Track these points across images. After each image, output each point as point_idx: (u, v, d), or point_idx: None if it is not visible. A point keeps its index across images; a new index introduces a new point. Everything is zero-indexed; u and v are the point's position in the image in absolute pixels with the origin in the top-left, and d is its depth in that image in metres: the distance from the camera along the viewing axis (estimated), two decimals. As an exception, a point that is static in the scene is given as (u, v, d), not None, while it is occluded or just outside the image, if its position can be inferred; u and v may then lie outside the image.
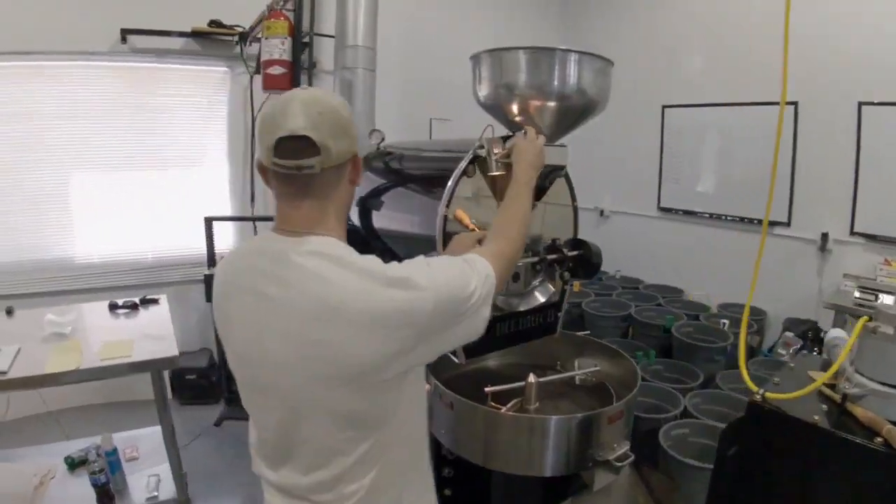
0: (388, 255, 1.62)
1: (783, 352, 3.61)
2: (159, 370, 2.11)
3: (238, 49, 3.42)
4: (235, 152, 3.67)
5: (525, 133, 1.42)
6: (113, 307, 2.57)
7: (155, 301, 2.66)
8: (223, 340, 1.01)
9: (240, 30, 3.36)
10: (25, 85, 3.08)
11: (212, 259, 3.31)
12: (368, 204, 2.24)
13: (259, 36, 3.12)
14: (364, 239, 2.27)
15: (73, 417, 3.24)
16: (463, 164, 1.47)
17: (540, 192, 1.57)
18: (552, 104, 1.55)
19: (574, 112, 1.58)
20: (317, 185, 0.92)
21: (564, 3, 4.95)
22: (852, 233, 3.43)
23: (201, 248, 3.53)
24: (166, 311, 2.57)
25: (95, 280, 3.36)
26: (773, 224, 3.67)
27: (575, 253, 1.64)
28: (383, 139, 2.31)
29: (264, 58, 2.71)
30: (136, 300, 2.61)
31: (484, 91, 1.67)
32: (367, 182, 2.15)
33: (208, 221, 3.27)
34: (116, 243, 3.42)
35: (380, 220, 2.09)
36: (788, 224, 3.64)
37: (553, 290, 1.70)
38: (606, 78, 1.60)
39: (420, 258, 0.98)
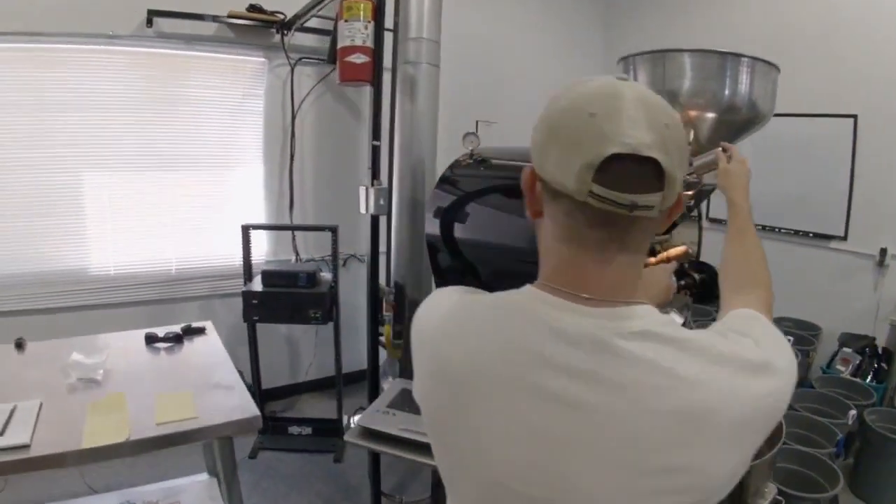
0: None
1: (842, 368, 3.55)
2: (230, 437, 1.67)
3: (278, 38, 3.06)
4: (272, 152, 3.29)
5: (727, 153, 1.22)
6: (150, 339, 2.13)
7: (201, 331, 2.23)
8: (439, 439, 0.71)
9: (281, 17, 3.00)
10: (34, 72, 2.67)
11: (248, 271, 2.98)
12: (467, 222, 1.99)
13: (304, 24, 2.78)
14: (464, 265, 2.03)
15: (93, 463, 2.84)
16: None
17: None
18: (714, 115, 1.42)
19: (737, 125, 1.44)
20: (638, 233, 0.62)
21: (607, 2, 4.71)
22: None
23: (231, 258, 3.21)
24: (219, 345, 2.13)
25: (112, 294, 2.95)
26: (828, 238, 3.57)
27: (702, 276, 1.50)
28: (478, 144, 2.06)
29: (342, 44, 2.34)
30: (179, 330, 2.18)
31: None
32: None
33: (245, 229, 2.92)
34: (136, 253, 3.02)
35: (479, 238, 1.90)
36: (845, 238, 3.53)
37: (681, 319, 1.51)
38: (775, 88, 1.48)
39: (744, 318, 0.74)
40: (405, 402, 1.58)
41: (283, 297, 2.84)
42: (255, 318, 2.82)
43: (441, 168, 2.70)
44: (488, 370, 0.63)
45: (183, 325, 2.16)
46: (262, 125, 3.22)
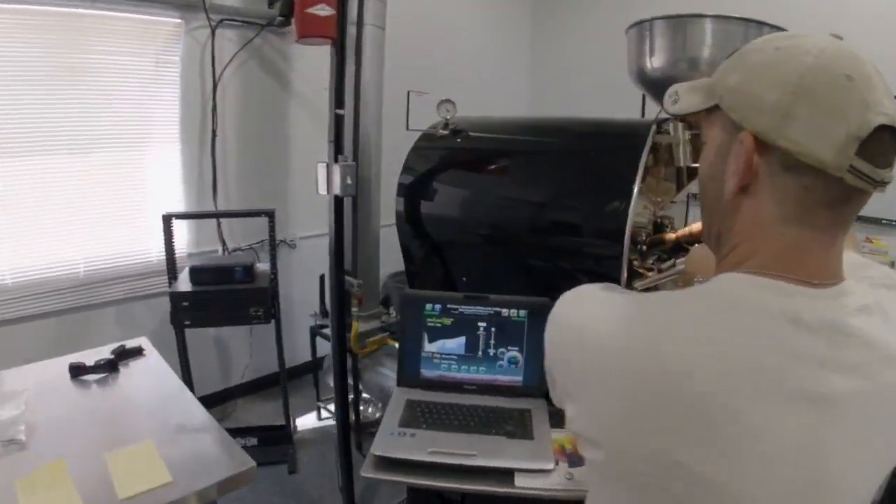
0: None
1: None
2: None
3: (196, -7, 2.62)
4: (190, 129, 2.85)
5: None
6: (77, 371, 1.65)
7: (137, 352, 1.80)
8: (663, 480, 0.54)
9: (198, -32, 2.58)
10: None
11: (172, 268, 2.58)
12: (438, 199, 1.80)
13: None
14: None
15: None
16: (644, 156, 1.32)
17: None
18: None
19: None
20: (857, 211, 0.57)
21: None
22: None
23: (148, 253, 2.80)
24: (164, 368, 1.74)
25: (9, 307, 2.42)
26: None
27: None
28: (455, 112, 1.86)
29: (302, -7, 1.99)
30: (111, 354, 1.72)
31: (657, 63, 1.47)
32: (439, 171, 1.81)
33: (167, 220, 2.52)
34: (35, 256, 2.50)
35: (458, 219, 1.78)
36: None
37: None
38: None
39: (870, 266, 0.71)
40: (418, 416, 1.36)
41: (217, 296, 2.47)
42: (187, 322, 2.44)
43: (387, 141, 2.46)
44: (742, 380, 0.52)
45: (115, 346, 1.76)
46: (178, 97, 2.77)
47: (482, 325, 1.50)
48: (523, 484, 1.18)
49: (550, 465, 1.21)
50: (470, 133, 1.87)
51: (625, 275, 1.43)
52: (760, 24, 1.37)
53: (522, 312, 1.49)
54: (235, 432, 2.73)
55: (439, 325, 1.50)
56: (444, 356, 1.50)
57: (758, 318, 0.54)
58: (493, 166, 1.78)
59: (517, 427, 1.34)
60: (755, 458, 0.52)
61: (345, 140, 1.80)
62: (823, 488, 0.54)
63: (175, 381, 1.66)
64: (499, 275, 1.74)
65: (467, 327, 1.50)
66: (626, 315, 0.60)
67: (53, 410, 1.45)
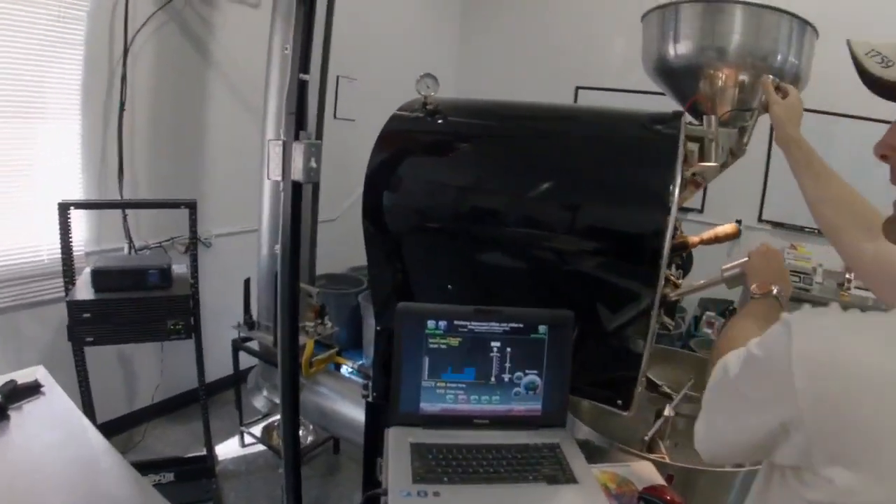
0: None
1: (709, 330, 3.83)
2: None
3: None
4: (94, 100, 2.35)
5: (779, 90, 1.22)
6: None
7: (33, 389, 1.33)
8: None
9: None
10: None
11: (70, 269, 2.09)
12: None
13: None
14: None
15: None
16: (681, 149, 1.18)
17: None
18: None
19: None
20: None
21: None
22: (760, 220, 3.96)
23: (37, 250, 2.28)
24: (72, 410, 1.32)
25: None
26: (687, 210, 3.88)
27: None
28: (437, 89, 1.58)
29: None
30: None
31: (682, 50, 1.33)
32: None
33: (64, 209, 2.03)
34: None
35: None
36: (702, 211, 4.02)
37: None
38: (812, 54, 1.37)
39: None
40: (433, 467, 1.07)
41: (127, 306, 2.03)
42: (89, 339, 1.98)
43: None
44: None
45: (2, 383, 1.29)
46: (81, 62, 2.26)
47: (496, 344, 1.22)
48: None
49: None
50: (454, 118, 1.59)
51: (661, 282, 1.22)
52: (792, 15, 1.27)
53: (543, 328, 1.23)
54: (147, 466, 2.29)
55: (444, 346, 1.21)
56: (449, 385, 1.21)
57: None
58: (493, 154, 1.51)
59: (554, 469, 1.08)
60: None
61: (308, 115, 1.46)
62: None
63: (87, 430, 1.25)
64: (496, 284, 1.46)
65: (478, 348, 1.21)
66: None
67: None
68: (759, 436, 0.60)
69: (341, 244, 3.40)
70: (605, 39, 4.16)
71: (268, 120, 2.24)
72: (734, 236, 1.36)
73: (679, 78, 1.37)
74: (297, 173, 1.42)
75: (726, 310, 4.20)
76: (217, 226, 2.98)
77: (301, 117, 1.43)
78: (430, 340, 1.20)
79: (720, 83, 1.34)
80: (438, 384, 1.20)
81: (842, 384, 0.52)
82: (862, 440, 0.51)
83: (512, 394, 1.22)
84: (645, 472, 1.19)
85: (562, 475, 1.06)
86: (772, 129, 1.19)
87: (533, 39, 4.49)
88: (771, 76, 1.21)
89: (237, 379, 2.65)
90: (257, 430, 2.82)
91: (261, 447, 2.76)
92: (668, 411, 1.56)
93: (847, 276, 4.09)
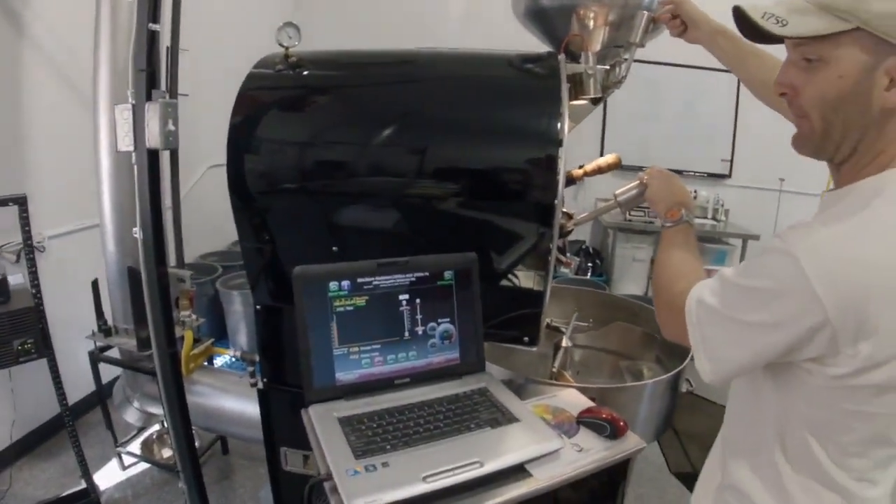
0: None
1: (567, 270, 4.10)
2: None
3: None
4: None
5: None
6: None
7: None
8: None
9: None
10: None
11: None
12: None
13: None
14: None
15: None
16: (565, 89, 1.18)
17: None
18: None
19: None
20: None
21: None
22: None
23: None
24: None
25: None
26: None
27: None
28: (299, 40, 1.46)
29: None
30: None
31: None
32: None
33: None
34: None
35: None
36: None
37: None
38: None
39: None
40: (371, 437, 0.98)
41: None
42: None
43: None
44: None
45: None
46: None
47: (404, 297, 1.15)
48: (544, 475, 0.93)
49: (560, 443, 0.99)
50: (320, 70, 1.48)
51: (559, 214, 1.22)
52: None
53: (448, 274, 1.19)
54: None
55: (351, 307, 1.12)
56: (363, 348, 1.12)
57: None
58: (368, 103, 1.41)
59: (492, 412, 1.06)
60: None
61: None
62: None
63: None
64: (385, 241, 1.38)
65: (387, 304, 1.14)
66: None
67: None
68: (780, 349, 0.71)
69: (186, 231, 3.13)
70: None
71: (99, 91, 1.94)
72: (616, 166, 1.40)
73: (551, 19, 1.36)
74: (153, 139, 1.23)
75: (579, 249, 4.53)
76: (49, 227, 2.58)
77: (153, 74, 1.23)
78: (335, 304, 1.10)
79: (592, 22, 1.34)
80: (352, 350, 1.11)
81: (858, 281, 0.65)
82: (882, 317, 0.65)
83: (428, 346, 1.17)
84: (572, 398, 1.20)
85: (501, 417, 1.04)
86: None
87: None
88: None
89: (101, 396, 2.34)
90: (135, 447, 2.53)
91: (144, 465, 2.49)
92: (565, 342, 1.61)
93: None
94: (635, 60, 1.39)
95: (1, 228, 2.19)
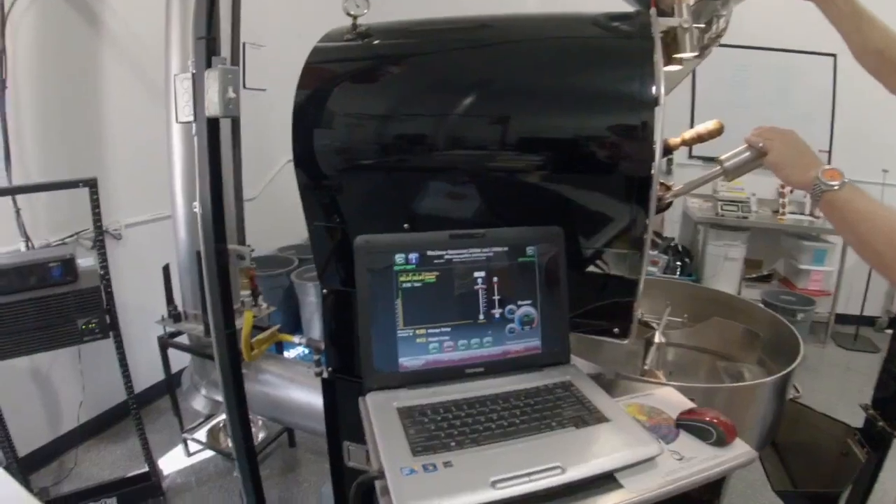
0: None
1: (654, 269, 3.86)
2: None
3: None
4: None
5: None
6: None
7: None
8: None
9: None
10: None
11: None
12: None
13: None
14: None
15: None
16: (659, 46, 1.02)
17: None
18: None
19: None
20: None
21: None
22: (690, 156, 4.17)
23: None
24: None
25: None
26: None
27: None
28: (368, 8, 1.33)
29: None
30: None
31: None
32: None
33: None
34: None
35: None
36: None
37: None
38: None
39: None
40: (434, 432, 0.85)
41: (27, 308, 1.71)
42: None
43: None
44: None
45: None
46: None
47: (480, 275, 1.01)
48: (636, 486, 0.76)
49: (658, 448, 0.81)
50: (390, 39, 1.37)
51: (655, 186, 1.05)
52: None
53: (531, 249, 1.04)
54: (85, 495, 1.99)
55: (419, 284, 0.99)
56: (431, 332, 0.99)
57: None
58: (446, 72, 1.28)
59: (577, 410, 0.89)
60: None
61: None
62: None
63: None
64: (464, 217, 1.25)
65: (460, 282, 1.01)
66: None
67: None
68: None
69: (265, 224, 3.12)
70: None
71: (170, 77, 1.93)
72: (718, 133, 1.22)
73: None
74: (212, 107, 1.16)
75: (668, 247, 4.26)
76: (127, 215, 2.63)
77: (213, 41, 1.16)
78: (401, 279, 0.98)
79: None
80: (418, 332, 0.98)
81: None
82: None
83: (506, 332, 1.02)
84: (670, 397, 1.03)
85: (588, 415, 0.87)
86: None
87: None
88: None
89: (170, 382, 2.34)
90: (202, 434, 2.53)
91: (209, 453, 2.48)
92: (658, 338, 1.44)
93: (781, 201, 4.19)
94: (721, 45, 1.25)
95: (78, 217, 2.22)
